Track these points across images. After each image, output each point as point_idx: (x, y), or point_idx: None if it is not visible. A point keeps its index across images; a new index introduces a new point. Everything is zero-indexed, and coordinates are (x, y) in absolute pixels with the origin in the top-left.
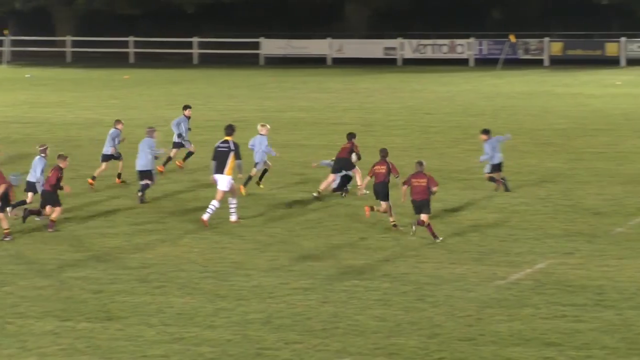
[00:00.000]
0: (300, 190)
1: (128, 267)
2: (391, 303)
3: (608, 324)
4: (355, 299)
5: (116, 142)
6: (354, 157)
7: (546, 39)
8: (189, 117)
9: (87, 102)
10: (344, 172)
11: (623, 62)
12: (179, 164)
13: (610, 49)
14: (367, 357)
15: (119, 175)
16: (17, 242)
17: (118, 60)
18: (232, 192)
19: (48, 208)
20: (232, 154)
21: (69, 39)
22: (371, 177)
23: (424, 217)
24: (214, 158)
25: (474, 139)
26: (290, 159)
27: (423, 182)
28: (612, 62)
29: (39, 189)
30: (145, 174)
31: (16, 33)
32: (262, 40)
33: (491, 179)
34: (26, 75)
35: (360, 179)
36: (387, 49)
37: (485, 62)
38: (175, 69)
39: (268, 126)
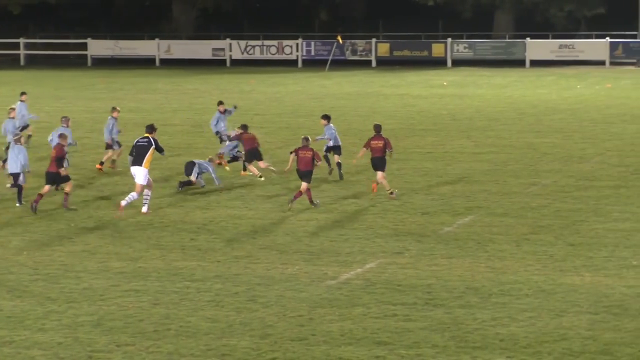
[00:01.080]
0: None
1: None
2: (223, 304)
3: (438, 323)
4: (186, 301)
5: (114, 131)
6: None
7: (373, 40)
8: (223, 112)
9: None
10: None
11: (449, 62)
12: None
13: (437, 49)
14: (200, 359)
15: (101, 162)
16: None
17: None
18: (148, 184)
19: (47, 187)
20: (151, 148)
21: None
22: (366, 148)
23: (305, 185)
24: (131, 153)
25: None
26: (120, 160)
27: (309, 154)
28: (438, 63)
29: (23, 178)
30: None
31: None
32: (89, 41)
33: (326, 158)
34: None
35: (257, 170)
36: (215, 49)
37: (313, 63)
38: (1, 70)
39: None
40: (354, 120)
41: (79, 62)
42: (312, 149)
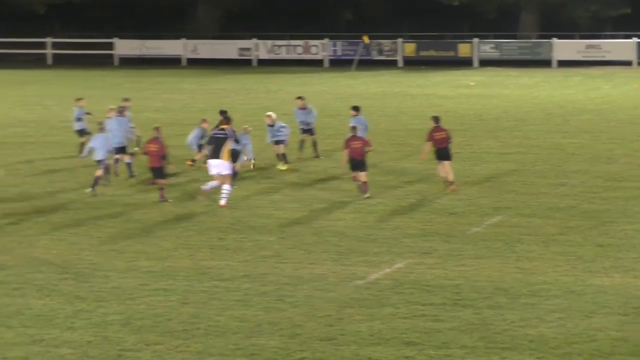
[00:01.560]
0: (157, 190)
1: None
2: (251, 304)
3: (466, 323)
4: (215, 300)
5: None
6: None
7: (399, 40)
8: (303, 108)
9: None
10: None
11: (476, 63)
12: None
13: (463, 49)
14: (228, 358)
15: (192, 160)
16: None
17: None
18: (226, 177)
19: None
20: (228, 140)
21: None
22: (430, 142)
23: (362, 174)
24: (209, 144)
25: (331, 140)
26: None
27: (359, 143)
28: (464, 63)
29: (104, 164)
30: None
31: None
32: (116, 40)
33: None
34: None
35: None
36: (241, 49)
37: (339, 63)
38: (28, 69)
39: (274, 115)
40: (381, 120)
41: (105, 62)
42: (361, 138)
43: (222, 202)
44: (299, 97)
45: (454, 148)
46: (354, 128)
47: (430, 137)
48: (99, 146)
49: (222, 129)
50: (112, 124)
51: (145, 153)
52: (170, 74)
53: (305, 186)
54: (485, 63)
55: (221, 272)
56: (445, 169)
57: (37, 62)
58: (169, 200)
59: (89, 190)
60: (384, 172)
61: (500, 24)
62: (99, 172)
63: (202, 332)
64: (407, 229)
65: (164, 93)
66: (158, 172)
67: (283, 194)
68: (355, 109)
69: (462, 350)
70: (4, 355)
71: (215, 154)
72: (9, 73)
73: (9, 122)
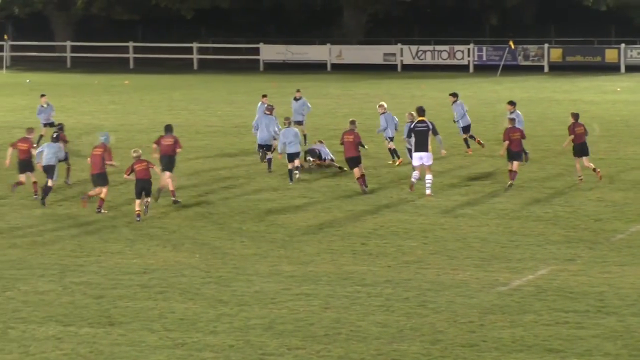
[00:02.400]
0: (300, 195)
1: (129, 272)
2: (393, 309)
3: (610, 331)
4: (357, 305)
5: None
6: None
7: (546, 46)
8: (454, 102)
9: (87, 107)
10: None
11: (622, 68)
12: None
13: (610, 55)
14: None
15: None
16: (19, 247)
17: (117, 66)
18: (429, 167)
19: (356, 170)
20: (430, 132)
21: (68, 44)
22: (572, 135)
23: (515, 164)
24: (415, 136)
25: (475, 145)
26: None
27: (517, 134)
28: (611, 69)
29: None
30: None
31: (14, 38)
32: (261, 45)
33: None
34: (26, 81)
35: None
36: (386, 54)
37: (484, 68)
38: (174, 74)
39: (385, 105)
40: (525, 125)
41: (250, 67)
42: (519, 130)
43: (428, 191)
44: (454, 94)
45: (599, 154)
46: (512, 120)
47: (572, 131)
48: (292, 140)
49: (423, 121)
50: (262, 121)
51: (342, 144)
52: (315, 79)
53: (447, 191)
54: (632, 69)
55: (363, 277)
56: (585, 164)
57: (184, 67)
58: (366, 190)
59: (291, 183)
60: (527, 178)
61: None
62: (297, 163)
63: (344, 337)
64: (551, 236)
65: (309, 98)
66: (355, 161)
67: (426, 199)
68: (512, 103)
69: (606, 358)
70: (146, 358)
71: (422, 147)
72: (156, 78)
73: (155, 127)
